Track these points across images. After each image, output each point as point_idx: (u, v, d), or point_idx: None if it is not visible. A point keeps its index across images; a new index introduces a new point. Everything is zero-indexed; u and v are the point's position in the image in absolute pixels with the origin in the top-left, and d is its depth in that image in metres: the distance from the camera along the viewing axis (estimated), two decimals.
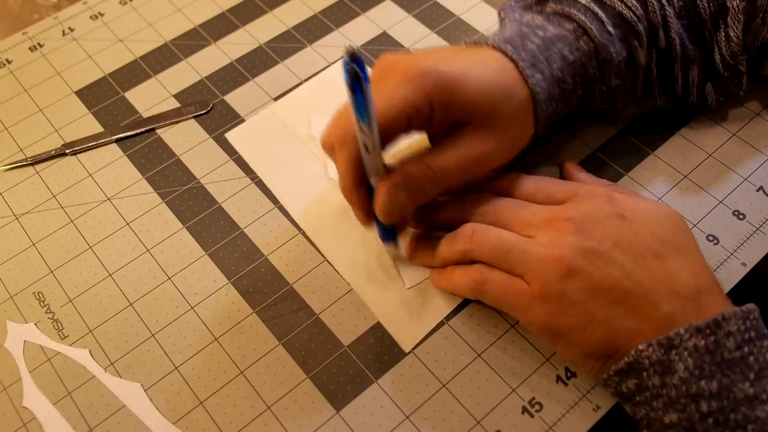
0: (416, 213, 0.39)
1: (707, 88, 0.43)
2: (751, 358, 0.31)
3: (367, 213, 0.38)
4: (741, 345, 0.31)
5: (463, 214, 0.38)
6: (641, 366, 0.32)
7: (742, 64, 0.42)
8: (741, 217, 0.42)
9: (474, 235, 0.36)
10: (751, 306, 0.32)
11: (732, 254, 0.40)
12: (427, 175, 0.36)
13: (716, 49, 0.41)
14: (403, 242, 0.41)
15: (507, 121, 0.37)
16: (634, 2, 0.39)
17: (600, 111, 0.43)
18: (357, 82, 0.29)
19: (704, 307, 0.32)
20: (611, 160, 0.44)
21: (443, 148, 0.36)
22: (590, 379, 0.36)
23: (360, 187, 0.37)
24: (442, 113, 0.35)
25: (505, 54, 0.38)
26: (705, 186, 0.43)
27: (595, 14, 0.39)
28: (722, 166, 0.44)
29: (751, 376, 0.30)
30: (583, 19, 0.38)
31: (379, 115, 0.33)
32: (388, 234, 0.39)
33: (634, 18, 0.39)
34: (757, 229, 0.41)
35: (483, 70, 0.36)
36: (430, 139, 0.39)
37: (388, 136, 0.35)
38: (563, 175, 0.42)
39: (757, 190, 0.43)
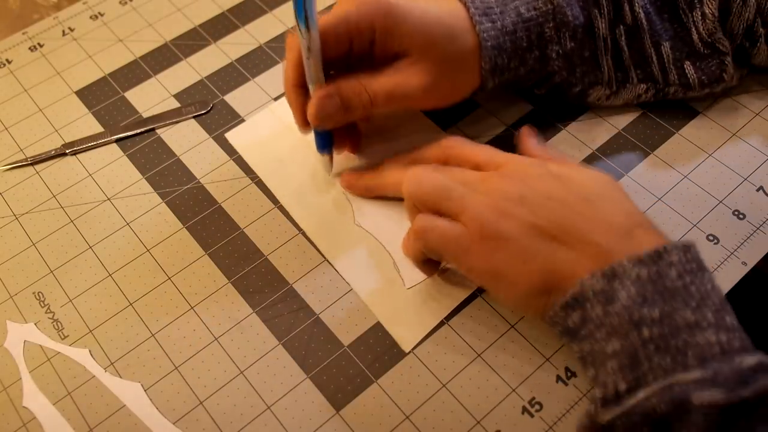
0: (364, 181, 0.43)
1: (686, 66, 0.43)
2: (693, 288, 0.31)
3: (303, 117, 0.41)
4: (683, 275, 0.32)
5: (403, 171, 0.40)
6: (585, 297, 0.32)
7: (720, 43, 0.42)
8: (741, 217, 0.42)
9: (419, 180, 0.37)
10: (690, 240, 0.33)
11: (732, 254, 0.40)
12: (359, 93, 0.39)
13: (693, 28, 0.42)
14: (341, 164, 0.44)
15: (447, 61, 0.39)
16: None
17: (572, 95, 0.44)
18: None
19: (638, 240, 0.33)
20: (611, 160, 0.45)
21: (380, 74, 0.39)
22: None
23: (299, 89, 0.40)
24: (383, 39, 0.38)
25: (459, 0, 0.40)
26: (705, 186, 0.43)
27: None
28: (722, 166, 0.44)
29: (693, 304, 0.31)
30: None
31: (321, 27, 0.36)
32: (323, 143, 0.42)
33: None
34: (757, 229, 0.41)
35: (431, 7, 0.39)
36: (375, 66, 0.40)
37: (330, 53, 0.38)
38: (517, 140, 0.42)
39: (757, 190, 0.43)
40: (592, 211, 0.34)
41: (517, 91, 0.48)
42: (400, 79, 0.39)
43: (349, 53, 0.39)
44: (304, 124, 0.41)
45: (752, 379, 0.29)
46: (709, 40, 0.42)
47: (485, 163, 0.38)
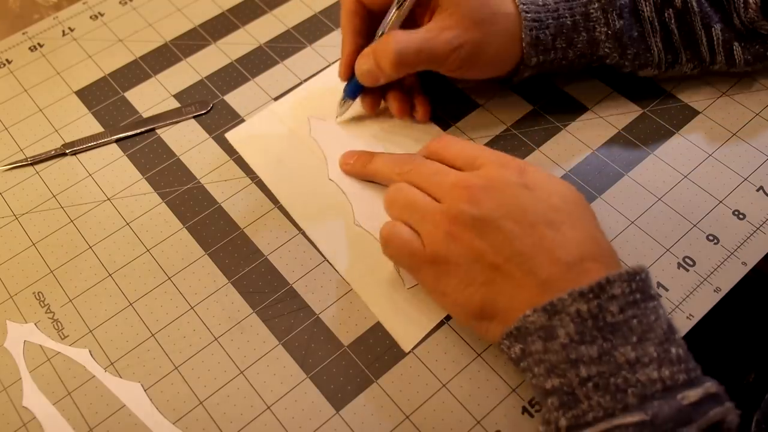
0: (355, 163, 0.44)
1: (735, 47, 0.43)
2: (635, 321, 0.31)
3: (346, 67, 0.44)
4: (624, 308, 0.31)
5: (391, 167, 0.41)
6: (527, 331, 0.32)
7: (763, 29, 0.42)
8: (741, 217, 0.42)
9: (395, 192, 0.38)
10: (638, 267, 0.32)
11: (732, 254, 0.40)
12: (386, 50, 0.40)
13: (735, 15, 0.42)
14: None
15: (482, 21, 0.40)
16: None
17: (621, 68, 0.45)
18: None
19: (586, 273, 0.32)
20: (611, 160, 0.45)
21: (417, 30, 0.41)
22: None
23: (351, 44, 0.43)
24: None
25: None
26: (705, 186, 0.43)
27: None
28: (722, 166, 0.44)
29: (633, 339, 0.30)
30: None
31: None
32: (351, 92, 0.45)
33: None
34: (757, 229, 0.41)
35: None
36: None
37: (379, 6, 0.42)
38: None
39: (757, 190, 0.43)
40: (548, 239, 0.33)
41: (518, 91, 0.48)
42: (432, 34, 0.40)
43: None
44: (345, 74, 0.44)
45: (696, 414, 0.28)
46: (751, 26, 0.43)
47: (464, 165, 0.38)
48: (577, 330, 0.31)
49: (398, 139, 0.46)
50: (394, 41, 0.40)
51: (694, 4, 0.42)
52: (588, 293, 0.31)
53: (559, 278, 0.32)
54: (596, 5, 0.41)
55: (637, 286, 0.32)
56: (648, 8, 0.42)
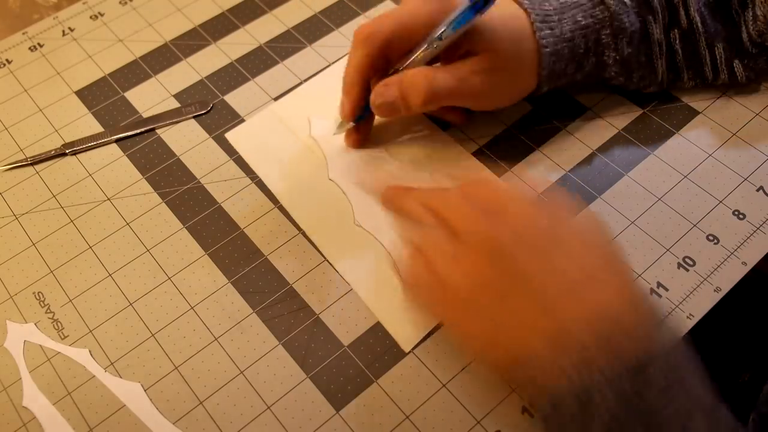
0: (391, 199, 0.42)
1: (735, 65, 0.44)
2: (674, 406, 0.29)
3: (353, 110, 0.42)
4: (665, 390, 0.29)
5: (422, 200, 0.38)
6: (559, 413, 0.30)
7: None
8: (741, 217, 0.42)
9: (425, 235, 0.36)
10: (675, 336, 0.30)
11: (732, 254, 0.40)
12: (418, 86, 0.39)
13: (743, 28, 0.43)
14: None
15: (509, 63, 0.40)
16: None
17: (625, 88, 0.45)
18: (483, 6, 0.36)
19: (616, 345, 0.30)
20: (611, 160, 0.45)
21: (444, 70, 0.39)
22: None
23: (362, 83, 0.41)
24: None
25: (521, 6, 0.41)
26: (705, 186, 0.43)
27: None
28: (722, 166, 0.44)
29: (678, 425, 0.28)
30: None
31: (395, 22, 0.39)
32: (359, 117, 0.43)
33: None
34: (757, 229, 0.41)
35: (497, 10, 0.39)
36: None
37: (410, 41, 0.40)
38: None
39: (757, 190, 0.43)
40: (581, 300, 0.31)
41: None
42: (465, 76, 0.39)
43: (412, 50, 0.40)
44: (350, 116, 0.42)
45: None
46: (759, 40, 0.43)
47: (495, 211, 0.35)
48: (614, 417, 0.28)
49: (399, 139, 0.46)
50: (426, 79, 0.39)
51: (699, 23, 0.42)
52: (625, 375, 0.29)
53: (594, 349, 0.30)
54: (608, 31, 0.42)
55: (675, 362, 0.30)
56: (657, 31, 0.42)
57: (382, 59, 0.40)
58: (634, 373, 0.29)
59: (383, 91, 0.40)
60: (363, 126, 0.45)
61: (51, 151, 0.47)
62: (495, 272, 0.33)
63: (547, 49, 0.41)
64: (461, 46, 0.39)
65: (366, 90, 0.41)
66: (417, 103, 0.39)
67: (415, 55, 0.39)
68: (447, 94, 0.39)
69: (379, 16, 0.40)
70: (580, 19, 0.41)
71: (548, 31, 0.40)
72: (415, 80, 0.39)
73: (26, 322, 0.40)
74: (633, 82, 0.44)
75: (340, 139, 0.46)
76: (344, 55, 0.51)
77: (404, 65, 0.40)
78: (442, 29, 0.38)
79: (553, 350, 0.30)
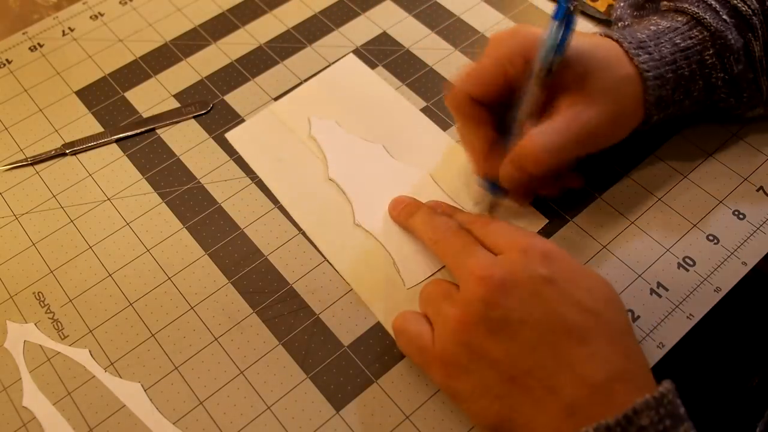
0: (399, 214, 0.42)
1: None
2: None
3: (482, 164, 0.40)
4: None
5: (426, 230, 0.39)
6: None
7: None
8: (741, 217, 0.42)
9: (424, 287, 0.38)
10: (664, 387, 0.30)
11: (732, 254, 0.40)
12: (528, 151, 0.36)
13: None
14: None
15: (607, 93, 0.37)
16: None
17: (722, 112, 0.43)
18: (571, 16, 0.34)
19: (614, 396, 0.30)
20: (611, 160, 0.44)
21: (546, 124, 0.37)
22: None
23: (491, 153, 0.39)
24: None
25: (610, 37, 0.39)
26: (705, 186, 0.43)
27: (709, 5, 0.39)
28: (722, 166, 0.44)
29: None
30: (696, 10, 0.39)
31: (482, 72, 0.38)
32: (498, 188, 0.40)
33: (749, 11, 0.39)
34: (757, 229, 0.41)
35: (581, 41, 0.37)
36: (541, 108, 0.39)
37: (493, 90, 0.38)
38: None
39: (757, 190, 0.43)
40: (572, 352, 0.31)
41: None
42: (566, 123, 0.37)
43: (504, 95, 0.38)
44: (484, 170, 0.40)
45: None
46: None
47: (492, 247, 0.36)
48: None
49: (401, 141, 0.46)
50: (531, 143, 0.36)
51: None
52: (615, 427, 0.28)
53: (585, 403, 0.30)
54: (711, 51, 0.39)
55: (666, 411, 0.29)
56: (758, 47, 0.40)
57: (482, 110, 0.39)
58: (625, 421, 0.29)
59: (504, 171, 0.38)
60: (509, 193, 0.42)
61: (51, 151, 0.47)
62: (497, 350, 0.32)
63: (650, 73, 0.38)
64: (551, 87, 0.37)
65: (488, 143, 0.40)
66: (533, 168, 0.37)
67: (523, 108, 0.37)
68: (559, 149, 0.36)
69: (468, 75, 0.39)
70: (678, 41, 0.39)
71: (646, 56, 0.38)
72: (524, 150, 0.37)
73: (26, 322, 0.40)
74: (744, 103, 0.42)
75: (340, 138, 0.46)
76: (344, 55, 0.51)
77: (519, 116, 0.38)
78: (547, 59, 0.35)
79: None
